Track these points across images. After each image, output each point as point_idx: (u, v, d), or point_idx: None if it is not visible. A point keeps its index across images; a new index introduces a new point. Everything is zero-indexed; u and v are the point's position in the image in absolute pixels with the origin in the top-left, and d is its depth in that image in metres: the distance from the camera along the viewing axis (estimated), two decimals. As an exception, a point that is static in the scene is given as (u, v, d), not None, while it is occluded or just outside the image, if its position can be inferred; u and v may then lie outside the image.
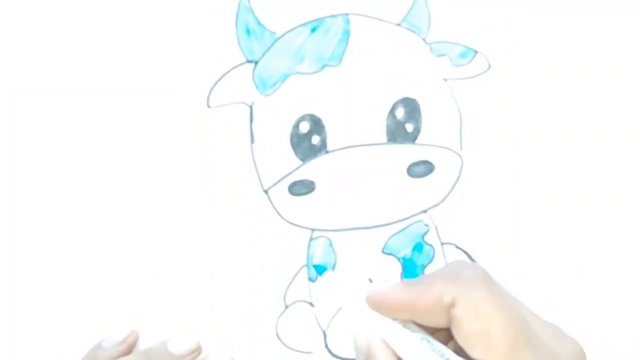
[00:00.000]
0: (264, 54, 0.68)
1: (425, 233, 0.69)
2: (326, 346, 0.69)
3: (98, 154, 0.68)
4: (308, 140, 0.68)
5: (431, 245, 0.69)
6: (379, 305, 0.51)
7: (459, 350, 0.49)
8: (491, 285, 0.49)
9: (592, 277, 0.69)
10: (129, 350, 0.65)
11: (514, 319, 0.48)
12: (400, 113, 0.68)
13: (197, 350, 0.65)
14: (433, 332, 0.50)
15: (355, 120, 0.68)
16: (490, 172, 0.68)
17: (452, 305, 0.48)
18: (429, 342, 0.50)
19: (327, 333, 0.69)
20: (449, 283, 0.49)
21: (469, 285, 0.49)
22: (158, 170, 0.68)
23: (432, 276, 0.51)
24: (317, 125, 0.68)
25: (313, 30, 0.68)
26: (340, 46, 0.68)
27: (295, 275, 0.68)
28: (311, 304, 0.69)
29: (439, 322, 0.49)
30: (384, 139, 0.68)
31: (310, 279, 0.69)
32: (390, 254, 0.69)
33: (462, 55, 0.68)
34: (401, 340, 0.50)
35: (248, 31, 0.68)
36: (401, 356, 0.50)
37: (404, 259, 0.69)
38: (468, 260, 0.53)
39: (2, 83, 0.68)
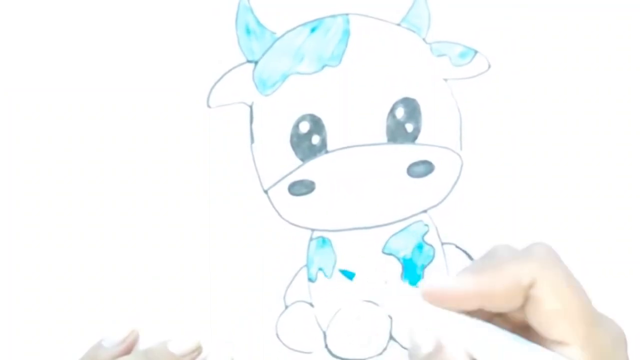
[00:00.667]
0: (264, 54, 0.68)
1: (425, 233, 0.69)
2: (326, 346, 0.69)
3: (98, 154, 0.68)
4: (308, 140, 0.68)
5: (431, 245, 0.69)
6: (444, 299, 0.49)
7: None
8: (562, 263, 0.49)
9: (592, 277, 0.69)
10: (128, 350, 0.65)
11: (587, 298, 0.47)
12: (400, 113, 0.68)
13: (198, 350, 0.65)
14: (488, 320, 0.49)
15: (355, 120, 0.68)
16: (490, 172, 0.68)
17: (530, 285, 0.48)
18: (503, 330, 0.48)
19: (327, 333, 0.69)
20: (523, 263, 0.48)
21: (544, 264, 0.48)
22: (158, 170, 0.68)
23: (499, 259, 0.49)
24: (317, 125, 0.68)
25: (313, 30, 0.68)
26: (340, 46, 0.68)
27: (295, 276, 0.68)
28: (311, 304, 0.69)
29: (512, 305, 0.48)
30: (384, 139, 0.68)
31: (310, 279, 0.69)
32: (390, 254, 0.69)
33: (462, 55, 0.68)
34: (481, 331, 0.48)
35: (248, 31, 0.68)
36: (479, 348, 0.48)
37: (404, 259, 0.69)
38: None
39: (2, 83, 0.68)
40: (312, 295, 0.69)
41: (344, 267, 0.68)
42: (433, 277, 0.49)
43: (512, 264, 0.48)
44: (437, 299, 0.49)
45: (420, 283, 0.50)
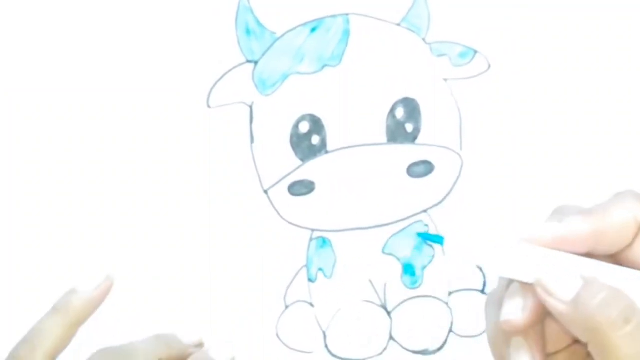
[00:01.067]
0: (264, 54, 0.68)
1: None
2: (326, 346, 0.69)
3: (98, 154, 0.68)
4: (308, 140, 0.68)
5: (431, 246, 0.69)
6: (555, 245, 0.46)
7: None
8: None
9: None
10: (103, 296, 0.63)
11: None
12: (400, 113, 0.68)
13: (200, 345, 0.65)
14: None
15: (355, 120, 0.68)
16: (490, 172, 0.68)
17: None
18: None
19: (327, 333, 0.69)
20: (629, 203, 0.47)
21: None
22: (158, 170, 0.68)
23: (604, 203, 0.48)
24: (317, 125, 0.68)
25: (313, 30, 0.68)
26: (340, 46, 0.68)
27: (296, 276, 0.68)
28: (311, 304, 0.69)
29: (623, 243, 0.47)
30: (384, 139, 0.68)
31: (310, 280, 0.69)
32: (390, 254, 0.69)
33: (462, 55, 0.68)
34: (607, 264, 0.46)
35: (248, 31, 0.68)
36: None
37: (404, 259, 0.69)
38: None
39: (2, 83, 0.68)
40: (312, 295, 0.69)
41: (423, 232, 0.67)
42: (535, 226, 0.47)
43: (619, 204, 0.47)
44: (555, 244, 0.46)
45: (521, 232, 0.47)
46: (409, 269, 0.69)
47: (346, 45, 0.68)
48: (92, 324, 0.68)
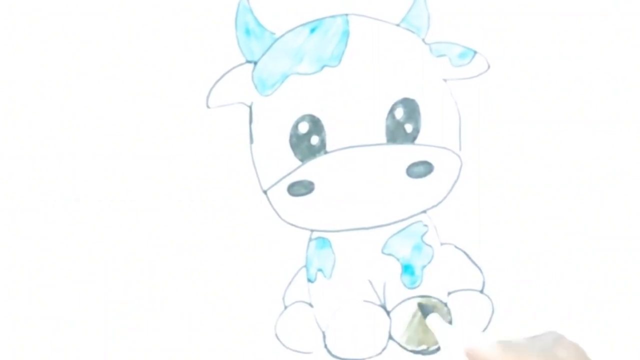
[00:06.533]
0: (263, 55, 0.68)
1: (425, 233, 0.69)
2: (325, 346, 0.69)
3: (98, 154, 0.68)
4: (307, 140, 0.68)
5: (430, 246, 0.69)
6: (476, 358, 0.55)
7: None
8: None
9: (592, 277, 0.69)
10: None
11: None
12: (399, 113, 0.68)
13: None
14: None
15: (355, 120, 0.68)
16: (490, 172, 0.68)
17: None
18: None
19: (326, 333, 0.69)
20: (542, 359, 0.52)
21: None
22: (158, 171, 0.68)
23: (529, 345, 0.54)
24: (316, 125, 0.68)
25: (312, 30, 0.68)
26: (339, 46, 0.68)
27: (295, 276, 0.69)
28: (310, 305, 0.69)
29: None
30: (384, 139, 0.68)
31: (310, 280, 0.69)
32: (389, 254, 0.69)
33: (462, 55, 0.68)
34: None
35: (247, 31, 0.68)
36: None
37: (403, 259, 0.69)
38: (565, 336, 0.55)
39: (1, 83, 0.68)
40: (311, 295, 0.69)
41: None
42: (475, 338, 0.56)
43: (533, 356, 0.53)
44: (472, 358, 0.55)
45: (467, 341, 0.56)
46: (408, 269, 0.69)
47: (345, 46, 0.68)
48: (92, 325, 0.68)
